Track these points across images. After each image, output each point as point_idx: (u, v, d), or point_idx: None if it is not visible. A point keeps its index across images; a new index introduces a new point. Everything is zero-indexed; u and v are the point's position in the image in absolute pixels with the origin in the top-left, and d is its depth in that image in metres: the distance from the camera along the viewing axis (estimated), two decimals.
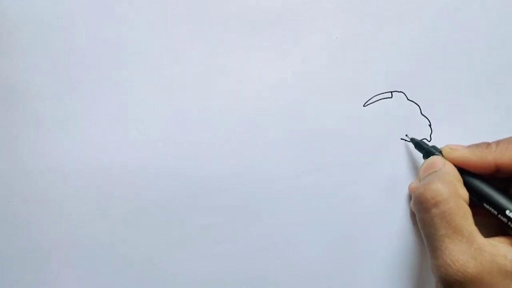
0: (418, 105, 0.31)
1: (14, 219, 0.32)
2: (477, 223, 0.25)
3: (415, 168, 0.31)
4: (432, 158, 0.28)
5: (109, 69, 0.32)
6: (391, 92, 0.31)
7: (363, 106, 0.31)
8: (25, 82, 0.32)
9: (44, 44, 0.32)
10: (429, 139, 0.31)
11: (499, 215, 0.25)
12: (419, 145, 0.30)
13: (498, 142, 0.26)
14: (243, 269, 0.32)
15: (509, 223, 0.24)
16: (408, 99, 0.31)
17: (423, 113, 0.31)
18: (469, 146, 0.27)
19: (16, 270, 0.32)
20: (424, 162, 0.28)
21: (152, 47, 0.32)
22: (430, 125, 0.31)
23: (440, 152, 0.28)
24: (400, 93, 0.31)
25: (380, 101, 0.31)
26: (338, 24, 0.32)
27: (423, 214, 0.25)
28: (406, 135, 0.31)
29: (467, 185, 0.26)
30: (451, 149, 0.27)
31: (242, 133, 0.32)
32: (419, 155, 0.30)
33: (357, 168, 0.32)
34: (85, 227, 0.32)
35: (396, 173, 0.31)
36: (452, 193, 0.24)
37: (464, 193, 0.25)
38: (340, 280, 0.32)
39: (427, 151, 0.29)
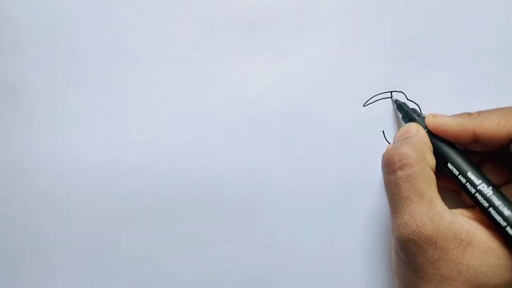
0: (418, 105, 0.31)
1: (14, 219, 0.32)
2: (442, 195, 0.25)
3: None
4: (408, 124, 0.28)
5: (109, 69, 0.32)
6: (391, 92, 0.31)
7: (363, 106, 0.32)
8: (25, 82, 0.32)
9: (44, 44, 0.32)
10: None
11: (460, 175, 0.25)
12: (400, 107, 0.30)
13: (479, 112, 0.26)
14: (243, 268, 0.32)
15: (467, 184, 0.25)
16: (408, 99, 0.31)
17: (423, 113, 0.31)
18: (452, 115, 0.27)
19: (16, 270, 0.32)
20: (401, 128, 0.29)
21: (152, 47, 0.32)
22: None
23: (418, 115, 0.29)
24: (400, 93, 0.31)
25: (380, 101, 0.31)
26: (338, 24, 0.32)
27: (389, 176, 0.26)
28: (391, 93, 0.31)
29: (438, 151, 0.27)
30: (433, 116, 0.27)
31: (242, 133, 0.32)
32: None
33: (357, 168, 0.32)
34: (85, 227, 0.32)
35: None
36: (419, 158, 0.25)
37: (431, 160, 0.26)
38: (340, 280, 0.32)
39: (407, 113, 0.29)
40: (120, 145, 0.32)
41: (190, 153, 0.32)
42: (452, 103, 0.31)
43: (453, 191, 0.29)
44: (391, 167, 0.26)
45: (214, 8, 0.32)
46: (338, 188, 0.32)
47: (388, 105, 0.31)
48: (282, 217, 0.32)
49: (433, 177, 0.25)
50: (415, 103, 0.31)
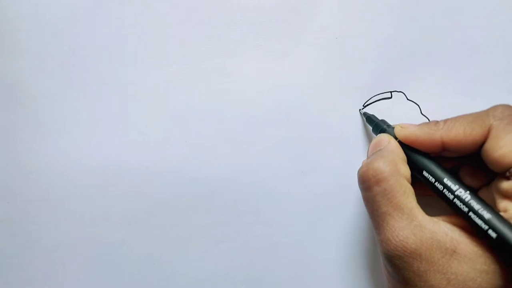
0: (418, 105, 0.31)
1: (14, 219, 0.32)
2: (421, 203, 0.25)
3: None
4: (379, 136, 0.28)
5: (109, 69, 0.32)
6: (391, 92, 0.31)
7: (363, 106, 0.32)
8: (25, 82, 0.32)
9: (44, 44, 0.32)
10: None
11: (436, 183, 0.25)
12: (370, 119, 0.30)
13: (446, 120, 0.26)
14: (243, 268, 0.32)
15: (445, 190, 0.25)
16: (408, 99, 0.31)
17: (423, 113, 0.31)
18: (419, 124, 0.27)
19: (16, 270, 0.32)
20: (373, 140, 0.29)
21: (152, 47, 0.32)
22: None
23: (388, 126, 0.28)
24: (400, 93, 0.31)
25: (380, 101, 0.31)
26: (338, 23, 0.32)
27: (366, 193, 0.25)
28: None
29: (412, 161, 0.26)
30: (401, 127, 0.27)
31: (242, 133, 0.32)
32: None
33: (357, 168, 0.32)
34: (85, 227, 0.32)
35: None
36: (393, 171, 0.25)
37: (406, 171, 0.26)
38: (340, 280, 0.32)
39: (376, 124, 0.29)
40: (120, 145, 0.32)
41: (190, 153, 0.32)
42: (452, 103, 0.31)
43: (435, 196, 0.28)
44: (366, 184, 0.25)
45: (214, 8, 0.32)
46: (338, 189, 0.32)
47: (388, 105, 0.31)
48: (282, 217, 0.32)
49: (409, 188, 0.25)
50: (415, 103, 0.31)
